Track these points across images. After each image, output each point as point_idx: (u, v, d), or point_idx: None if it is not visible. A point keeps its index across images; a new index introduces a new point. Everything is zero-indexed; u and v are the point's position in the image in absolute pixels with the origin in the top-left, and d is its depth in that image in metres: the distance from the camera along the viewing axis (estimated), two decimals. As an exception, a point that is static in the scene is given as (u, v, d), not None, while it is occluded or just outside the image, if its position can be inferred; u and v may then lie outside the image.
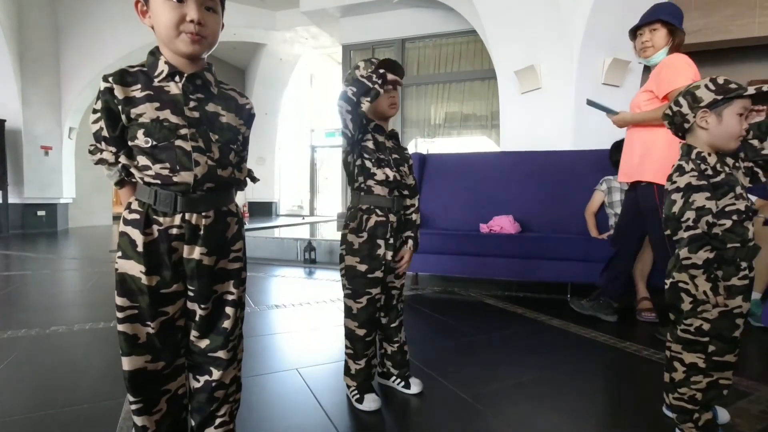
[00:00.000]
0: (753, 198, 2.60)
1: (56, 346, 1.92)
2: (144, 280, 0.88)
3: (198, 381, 0.97)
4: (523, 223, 3.06)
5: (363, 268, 1.33)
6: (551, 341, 2.05)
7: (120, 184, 0.95)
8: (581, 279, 2.67)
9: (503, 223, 2.95)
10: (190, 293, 0.93)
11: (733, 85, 1.10)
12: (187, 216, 0.89)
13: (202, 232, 0.90)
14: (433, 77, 6.30)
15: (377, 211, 1.33)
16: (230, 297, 0.97)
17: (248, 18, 7.48)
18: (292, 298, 2.81)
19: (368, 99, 1.25)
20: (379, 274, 1.34)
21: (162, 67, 0.88)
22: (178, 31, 0.86)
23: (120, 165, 0.89)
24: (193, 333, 0.95)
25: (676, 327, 1.19)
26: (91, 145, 0.92)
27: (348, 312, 1.38)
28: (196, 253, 0.90)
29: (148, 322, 0.89)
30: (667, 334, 1.24)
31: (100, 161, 0.90)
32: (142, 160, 0.87)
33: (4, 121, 6.45)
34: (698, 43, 4.99)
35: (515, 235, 2.88)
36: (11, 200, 6.63)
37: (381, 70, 1.28)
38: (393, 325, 1.47)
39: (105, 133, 0.87)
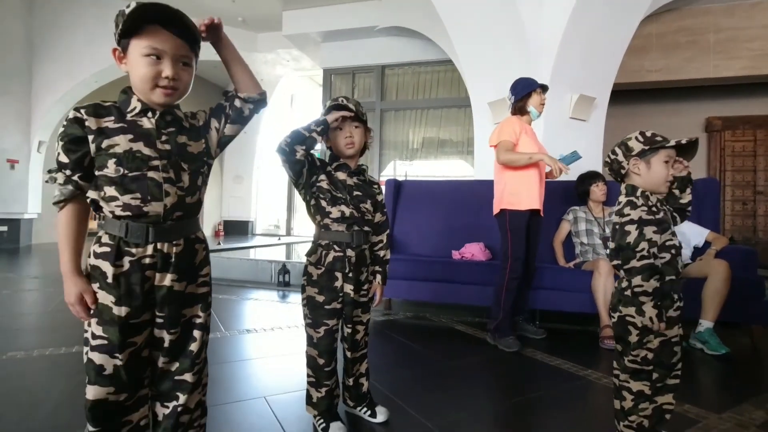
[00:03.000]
0: (706, 231, 2.76)
1: (13, 372, 1.85)
2: (115, 310, 0.90)
3: (167, 408, 0.98)
4: (493, 251, 3.14)
5: (321, 299, 1.36)
6: (517, 369, 2.10)
7: (62, 203, 0.92)
8: (548, 306, 2.75)
9: (474, 251, 3.03)
10: (159, 320, 0.95)
11: (658, 138, 1.24)
12: (159, 245, 0.92)
13: (173, 259, 0.94)
14: (411, 103, 6.47)
15: (335, 246, 1.36)
16: (198, 320, 1.01)
17: (230, 38, 7.52)
18: (263, 323, 2.79)
19: (303, 148, 1.31)
20: (336, 305, 1.36)
21: (135, 104, 0.94)
22: (153, 84, 0.92)
23: (70, 186, 0.90)
24: (162, 360, 0.97)
25: (623, 357, 1.26)
26: (48, 171, 0.94)
27: (309, 340, 1.40)
28: (167, 280, 0.94)
29: (117, 354, 0.90)
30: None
31: (50, 179, 0.92)
32: (110, 191, 0.89)
33: (-31, 132, 6.25)
34: (659, 81, 5.32)
35: (485, 262, 2.96)
36: (-28, 214, 6.36)
37: (327, 115, 1.37)
38: (352, 355, 1.48)
39: (61, 158, 0.90)
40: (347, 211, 1.36)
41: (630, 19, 3.72)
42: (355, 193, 1.40)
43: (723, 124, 5.91)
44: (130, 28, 0.89)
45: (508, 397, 1.77)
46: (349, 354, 1.48)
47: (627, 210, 1.23)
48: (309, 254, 1.40)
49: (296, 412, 1.56)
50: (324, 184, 1.37)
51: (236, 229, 10.06)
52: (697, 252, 2.74)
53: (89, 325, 0.92)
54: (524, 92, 2.47)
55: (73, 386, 1.70)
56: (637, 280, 1.18)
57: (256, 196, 10.50)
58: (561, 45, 3.50)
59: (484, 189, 3.50)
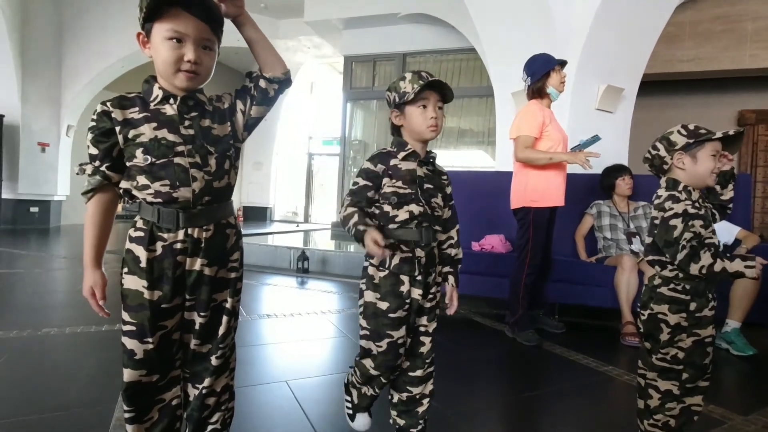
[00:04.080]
0: (737, 228, 2.68)
1: (48, 348, 1.93)
2: (146, 294, 0.93)
3: (197, 389, 1.01)
4: (513, 243, 3.11)
5: (384, 305, 1.13)
6: (535, 362, 2.09)
7: (90, 192, 0.94)
8: (568, 300, 2.73)
9: (494, 242, 3.01)
10: (189, 303, 0.98)
11: (702, 131, 1.20)
12: (189, 230, 0.94)
13: (203, 244, 0.96)
14: (432, 92, 6.39)
15: (402, 246, 1.14)
16: (226, 305, 1.02)
17: (252, 25, 7.55)
18: (283, 308, 2.84)
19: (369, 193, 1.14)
20: (401, 313, 1.14)
21: (156, 92, 0.95)
22: (176, 68, 0.92)
23: (98, 176, 0.92)
24: (194, 342, 1.00)
25: (651, 356, 1.24)
26: (79, 165, 0.97)
27: (366, 353, 1.17)
28: (198, 264, 0.96)
29: (148, 338, 0.93)
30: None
31: (80, 170, 0.94)
32: (141, 180, 0.92)
33: (3, 116, 6.45)
34: (690, 72, 5.13)
35: (505, 254, 2.94)
36: (5, 195, 6.61)
37: (408, 89, 1.14)
38: (411, 374, 1.20)
39: (91, 150, 0.92)
40: (417, 210, 1.14)
41: (664, 5, 3.58)
42: (426, 186, 1.18)
43: (756, 117, 5.68)
44: (152, 11, 0.89)
45: (526, 390, 1.77)
46: (409, 368, 1.21)
47: (669, 204, 1.19)
48: (369, 255, 1.16)
49: (316, 397, 1.59)
50: (388, 189, 1.14)
51: (255, 214, 10.21)
52: (727, 250, 2.66)
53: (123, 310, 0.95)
54: (542, 71, 2.32)
55: (103, 363, 1.77)
56: (694, 266, 1.13)
57: (274, 182, 10.61)
58: (590, 32, 3.40)
59: (505, 181, 3.45)
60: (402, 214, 1.14)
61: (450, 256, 1.25)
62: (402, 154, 1.17)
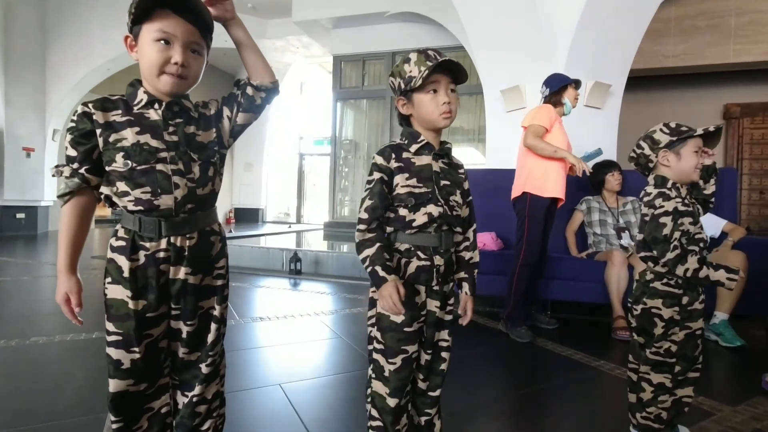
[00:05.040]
0: (723, 221, 2.72)
1: (36, 357, 1.91)
2: (131, 304, 0.91)
3: (186, 397, 1.00)
4: (505, 240, 3.13)
5: (398, 318, 1.02)
6: (529, 359, 2.11)
7: (67, 196, 0.90)
8: (561, 297, 2.75)
9: (486, 240, 3.02)
10: (175, 312, 0.97)
11: (684, 128, 1.23)
12: (172, 239, 0.92)
13: (186, 253, 0.94)
14: (422, 91, 6.40)
15: (419, 253, 1.02)
16: (214, 312, 1.01)
17: (239, 25, 7.50)
18: (276, 311, 2.83)
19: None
20: (416, 326, 1.03)
21: (141, 96, 0.93)
22: (161, 71, 0.91)
23: (76, 179, 0.89)
24: (182, 350, 0.98)
25: (644, 349, 1.26)
26: (55, 166, 0.93)
27: (379, 372, 1.04)
28: (182, 273, 0.94)
29: (134, 348, 0.92)
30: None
31: (57, 172, 0.91)
32: (121, 186, 0.90)
33: (-14, 121, 6.35)
34: (676, 67, 5.19)
35: (496, 251, 2.95)
36: (-10, 202, 6.51)
37: (417, 70, 1.00)
38: (432, 393, 1.10)
39: (69, 151, 0.90)
40: (436, 211, 1.02)
41: (649, 2, 3.61)
42: (443, 183, 1.05)
43: (742, 110, 5.76)
44: (141, 12, 0.88)
45: (520, 387, 1.78)
46: (427, 388, 1.10)
47: (660, 201, 1.21)
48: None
49: (312, 400, 1.59)
50: (402, 190, 1.02)
51: (247, 216, 10.15)
52: (714, 243, 2.70)
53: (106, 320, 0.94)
54: (560, 85, 2.48)
55: (95, 371, 1.75)
56: (680, 268, 1.16)
57: (266, 183, 10.56)
58: (577, 30, 3.42)
59: (495, 178, 3.48)
60: (420, 218, 1.01)
61: (465, 259, 1.11)
62: (415, 147, 1.04)
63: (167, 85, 0.92)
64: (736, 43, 4.92)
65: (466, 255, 1.11)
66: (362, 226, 1.01)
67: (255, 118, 1.05)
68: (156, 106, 0.93)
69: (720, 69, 5.21)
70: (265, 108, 1.05)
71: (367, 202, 1.01)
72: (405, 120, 1.09)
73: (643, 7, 3.61)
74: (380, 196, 1.01)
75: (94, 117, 0.89)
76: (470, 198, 1.13)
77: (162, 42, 0.90)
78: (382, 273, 0.96)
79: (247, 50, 1.02)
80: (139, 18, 0.89)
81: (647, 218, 1.22)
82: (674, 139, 1.22)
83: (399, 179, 1.02)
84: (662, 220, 1.19)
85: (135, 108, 0.92)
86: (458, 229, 1.08)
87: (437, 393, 1.10)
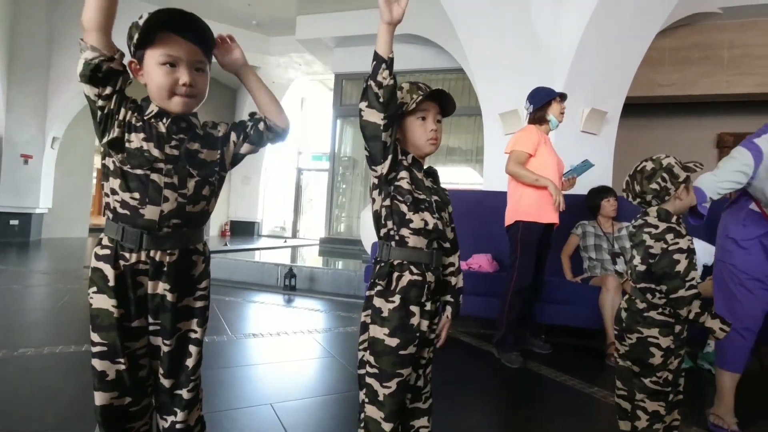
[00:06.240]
0: (717, 249, 2.73)
1: (24, 369, 1.87)
2: (116, 313, 0.91)
3: (165, 421, 0.99)
4: (500, 262, 3.14)
5: (394, 342, 1.00)
6: (522, 383, 2.09)
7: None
8: (555, 321, 2.74)
9: (482, 262, 3.03)
10: (153, 327, 0.96)
11: (689, 165, 1.29)
12: (151, 253, 0.93)
13: (165, 268, 0.94)
14: (421, 111, 6.48)
15: (411, 267, 1.03)
16: (193, 335, 1.00)
17: (243, 42, 7.45)
18: (269, 327, 2.80)
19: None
20: (412, 349, 1.02)
21: (153, 108, 0.95)
22: (171, 93, 0.93)
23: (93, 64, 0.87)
24: (161, 371, 0.98)
25: (639, 378, 1.27)
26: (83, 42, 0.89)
27: (373, 397, 1.02)
28: (160, 288, 0.94)
29: (119, 359, 0.92)
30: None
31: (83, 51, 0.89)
32: (115, 183, 0.91)
33: (-14, 127, 6.34)
34: (670, 96, 5.29)
35: (492, 273, 2.95)
36: (-16, 207, 6.45)
37: (408, 98, 1.06)
38: (414, 405, 1.10)
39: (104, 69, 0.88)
40: (431, 221, 1.04)
41: (645, 33, 3.71)
42: (434, 198, 1.09)
43: (735, 140, 5.86)
44: (145, 37, 0.90)
45: (512, 412, 1.77)
46: (415, 404, 1.11)
47: (671, 237, 1.23)
48: (376, 278, 1.05)
49: (303, 420, 1.56)
50: (404, 183, 1.04)
51: (242, 229, 10.12)
52: (707, 271, 2.71)
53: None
54: (544, 101, 2.43)
55: (83, 384, 1.72)
56: (685, 309, 1.20)
57: (263, 197, 10.56)
58: (575, 58, 3.50)
59: (492, 199, 3.50)
60: (417, 221, 1.03)
61: (451, 284, 1.14)
62: (410, 157, 1.08)
63: (179, 105, 0.94)
64: (729, 74, 5.04)
65: (453, 280, 1.14)
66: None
67: (255, 152, 1.09)
68: (164, 119, 0.95)
69: (713, 99, 5.33)
70: (265, 146, 1.10)
71: None
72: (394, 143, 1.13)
73: (639, 38, 3.71)
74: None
75: (130, 105, 0.93)
76: (453, 224, 1.15)
77: (168, 65, 0.92)
78: None
79: (260, 93, 1.08)
80: (142, 42, 0.91)
81: (653, 250, 1.24)
82: (689, 175, 1.28)
83: (404, 174, 1.05)
84: (676, 256, 1.21)
85: (146, 117, 0.94)
86: (447, 246, 1.10)
87: (427, 405, 1.11)
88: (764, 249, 1.62)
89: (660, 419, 1.24)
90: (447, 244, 1.10)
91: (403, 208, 1.03)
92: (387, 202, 1.04)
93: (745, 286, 1.63)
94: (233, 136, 1.05)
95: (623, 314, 1.31)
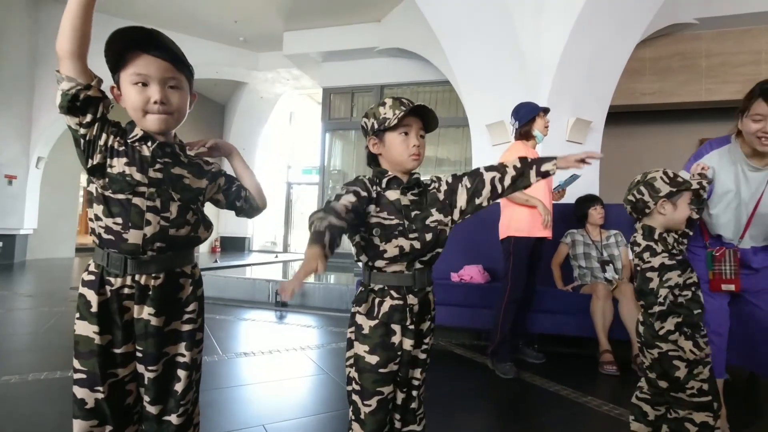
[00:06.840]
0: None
1: (8, 397, 1.82)
2: (97, 340, 0.90)
3: None
4: (492, 273, 3.15)
5: (374, 360, 1.01)
6: (515, 394, 2.08)
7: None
8: (547, 330, 2.75)
9: (473, 273, 3.03)
10: (138, 354, 0.94)
11: (680, 179, 1.29)
12: (136, 277, 0.92)
13: (150, 292, 0.93)
14: (410, 123, 6.53)
15: (392, 292, 1.03)
16: (182, 359, 0.98)
17: (231, 57, 7.64)
18: (261, 345, 2.76)
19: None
20: (393, 367, 1.02)
21: (137, 131, 0.95)
22: (144, 111, 0.93)
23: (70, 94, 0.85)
24: (145, 398, 0.96)
25: (671, 395, 1.26)
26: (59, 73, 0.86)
27: (356, 414, 1.03)
28: (145, 313, 0.93)
29: (98, 387, 0.90)
30: None
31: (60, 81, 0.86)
32: (98, 210, 0.91)
33: (-32, 147, 6.24)
34: (652, 104, 5.41)
35: (484, 284, 2.96)
36: (-34, 229, 6.32)
37: (389, 116, 1.04)
38: (409, 429, 1.09)
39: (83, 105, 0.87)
40: (407, 245, 1.02)
41: (626, 43, 3.80)
42: (414, 213, 1.06)
43: (716, 145, 5.99)
44: (115, 60, 0.91)
45: (507, 423, 1.75)
46: (402, 425, 1.09)
47: (647, 256, 1.27)
48: (357, 302, 1.06)
49: (295, 442, 1.53)
50: (373, 219, 1.03)
51: (233, 245, 10.03)
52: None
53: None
54: (528, 117, 2.47)
55: (69, 411, 1.67)
56: (658, 324, 1.23)
57: (253, 212, 10.49)
58: (558, 69, 3.57)
59: (483, 211, 3.51)
60: (391, 249, 1.01)
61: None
62: (384, 181, 1.07)
63: (153, 123, 0.94)
64: (708, 83, 5.17)
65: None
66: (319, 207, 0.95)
67: (220, 206, 1.14)
68: (149, 143, 0.94)
69: (694, 106, 5.45)
70: (234, 212, 1.17)
71: (328, 201, 0.96)
72: (373, 160, 1.12)
73: (620, 48, 3.80)
74: (343, 196, 0.96)
75: (112, 130, 0.92)
76: (457, 182, 1.13)
77: (140, 84, 0.92)
78: (320, 226, 0.88)
79: (246, 175, 1.16)
80: (116, 66, 0.92)
81: (638, 270, 1.28)
82: (674, 190, 1.27)
83: (372, 209, 1.03)
84: (648, 275, 1.25)
85: (130, 140, 0.94)
86: (438, 250, 1.07)
87: (420, 428, 1.10)
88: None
89: (711, 430, 1.24)
90: (438, 249, 1.07)
91: (376, 241, 1.02)
92: (357, 239, 1.05)
93: (704, 291, 1.66)
94: (221, 181, 1.09)
95: (641, 329, 1.32)
